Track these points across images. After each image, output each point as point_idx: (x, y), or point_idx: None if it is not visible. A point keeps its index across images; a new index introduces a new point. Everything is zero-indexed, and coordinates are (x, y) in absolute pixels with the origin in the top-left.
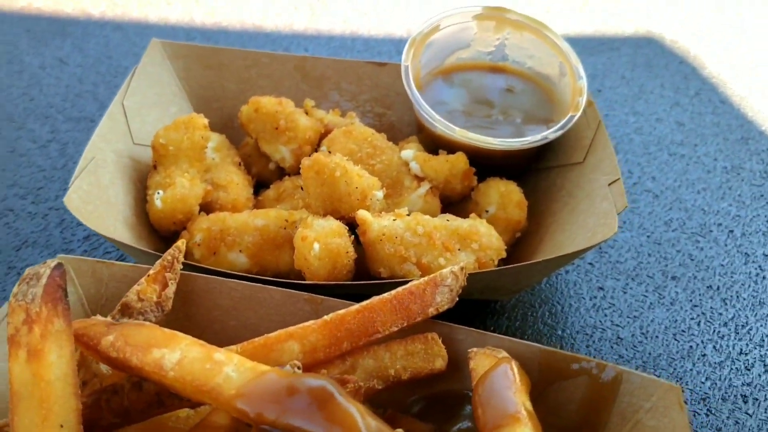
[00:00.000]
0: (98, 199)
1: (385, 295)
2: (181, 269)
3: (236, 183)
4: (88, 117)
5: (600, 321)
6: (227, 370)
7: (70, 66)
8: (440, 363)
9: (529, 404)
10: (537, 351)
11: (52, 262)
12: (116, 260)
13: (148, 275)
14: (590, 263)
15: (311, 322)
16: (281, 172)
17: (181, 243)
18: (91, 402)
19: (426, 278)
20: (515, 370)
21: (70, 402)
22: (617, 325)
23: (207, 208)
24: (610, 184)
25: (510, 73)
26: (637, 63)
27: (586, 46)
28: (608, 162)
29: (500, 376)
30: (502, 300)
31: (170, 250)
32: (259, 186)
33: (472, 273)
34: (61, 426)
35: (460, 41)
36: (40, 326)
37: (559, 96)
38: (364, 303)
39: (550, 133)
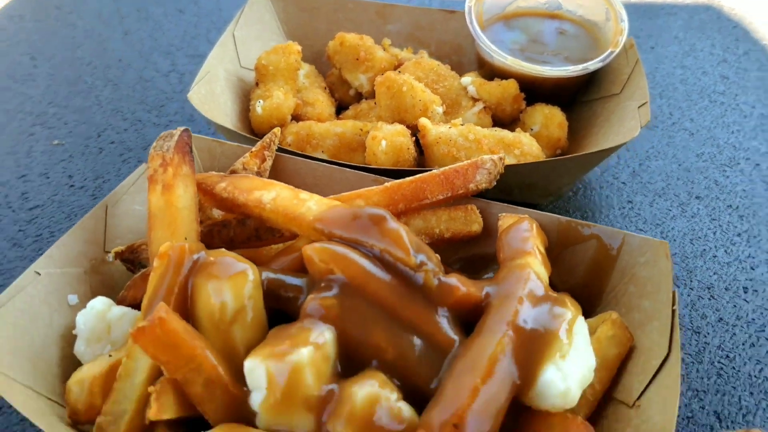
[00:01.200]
0: (212, 102)
1: (435, 170)
2: (276, 150)
3: (321, 101)
4: (202, 54)
5: (625, 226)
6: (309, 203)
7: (186, 15)
8: (476, 227)
9: (542, 249)
10: (556, 220)
11: (182, 128)
12: None
13: (251, 151)
14: (623, 182)
15: (375, 187)
16: (359, 97)
17: (277, 130)
18: (206, 231)
19: (470, 161)
20: (534, 225)
21: (192, 224)
22: (641, 230)
23: (297, 119)
24: (639, 107)
25: (563, 19)
26: (691, 26)
27: (646, 11)
28: (641, 92)
29: (521, 227)
30: (539, 204)
31: (269, 134)
32: (341, 110)
33: (509, 165)
34: (185, 238)
35: None
36: (173, 168)
37: (604, 38)
38: (418, 175)
39: (590, 65)
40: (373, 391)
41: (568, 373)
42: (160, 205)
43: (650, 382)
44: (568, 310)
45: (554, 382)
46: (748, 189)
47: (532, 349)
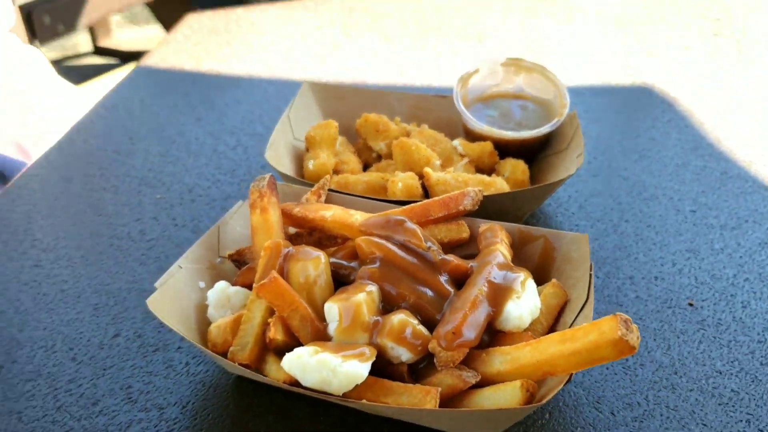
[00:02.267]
0: (279, 160)
1: (436, 197)
2: (328, 189)
3: (353, 161)
4: (259, 133)
5: None
6: (356, 216)
7: (243, 105)
8: (465, 235)
9: (507, 242)
10: (516, 227)
11: (269, 174)
12: None
13: (311, 191)
14: (572, 213)
15: (398, 208)
16: (380, 159)
17: (327, 176)
18: (290, 238)
19: (459, 191)
20: (502, 228)
21: (280, 234)
22: None
23: (336, 173)
24: (577, 156)
25: (525, 99)
26: (629, 102)
27: (593, 91)
28: (579, 146)
29: (493, 228)
30: None
31: (322, 179)
32: (366, 168)
33: (486, 195)
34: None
35: (493, 79)
36: (266, 198)
37: (554, 112)
38: (425, 200)
39: (542, 129)
40: (403, 318)
41: (521, 307)
42: (260, 221)
43: (576, 317)
44: (522, 273)
45: (512, 312)
46: (663, 214)
47: (499, 293)
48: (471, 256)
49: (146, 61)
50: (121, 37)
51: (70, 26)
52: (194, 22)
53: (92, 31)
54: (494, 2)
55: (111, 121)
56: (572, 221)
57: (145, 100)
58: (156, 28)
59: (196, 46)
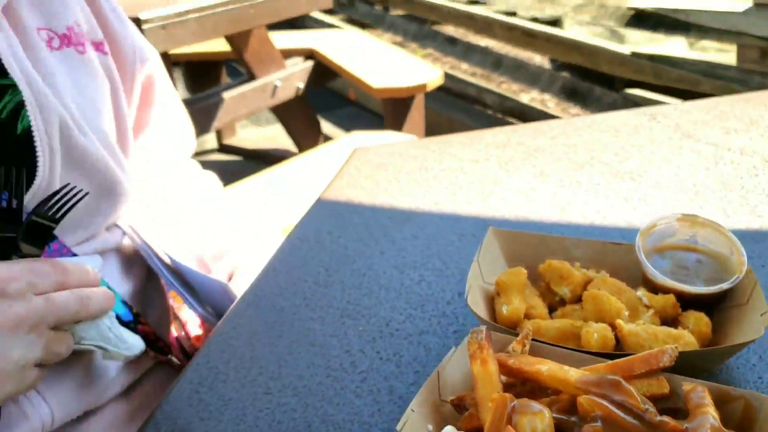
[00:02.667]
0: (478, 304)
1: (638, 354)
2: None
3: (540, 305)
4: (437, 269)
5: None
6: (570, 372)
7: (420, 239)
8: (665, 390)
9: (712, 403)
10: (715, 387)
11: (484, 326)
12: None
13: (516, 341)
14: (753, 364)
15: (604, 363)
16: (563, 303)
17: (529, 326)
18: (504, 387)
19: (658, 349)
20: (706, 388)
21: (499, 384)
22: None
23: (526, 317)
24: (761, 315)
25: (699, 252)
26: None
27: (749, 235)
28: (761, 303)
29: (698, 389)
30: (699, 377)
31: (525, 330)
32: (550, 310)
33: (680, 351)
34: (498, 391)
35: (669, 232)
36: (485, 351)
37: (730, 267)
38: (628, 357)
39: (723, 286)
40: None
41: None
42: (481, 372)
43: None
44: None
45: None
46: None
47: None
48: (669, 410)
49: (326, 194)
50: (244, 136)
51: (202, 130)
52: (362, 155)
53: (218, 131)
54: (639, 138)
55: (305, 252)
56: (755, 373)
57: (332, 232)
58: (277, 128)
59: (366, 179)
